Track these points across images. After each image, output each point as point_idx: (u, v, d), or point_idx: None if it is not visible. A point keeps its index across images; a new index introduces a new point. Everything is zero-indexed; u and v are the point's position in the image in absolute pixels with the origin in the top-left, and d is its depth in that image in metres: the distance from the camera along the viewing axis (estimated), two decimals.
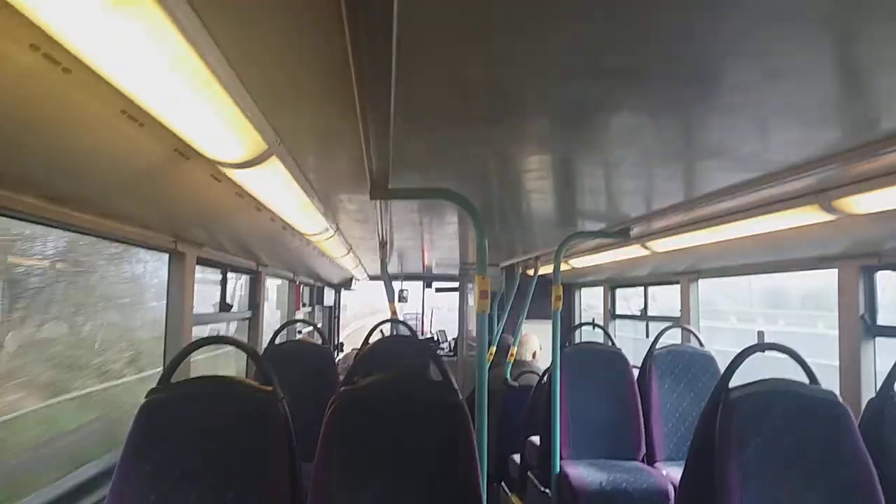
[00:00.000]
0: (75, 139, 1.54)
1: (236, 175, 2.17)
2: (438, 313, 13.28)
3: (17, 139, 1.43)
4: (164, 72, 1.31)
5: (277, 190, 2.53)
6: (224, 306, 4.04)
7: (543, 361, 6.00)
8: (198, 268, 3.26)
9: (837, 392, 2.20)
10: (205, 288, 4.06)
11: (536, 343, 6.19)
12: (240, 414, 2.06)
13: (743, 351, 2.31)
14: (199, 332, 3.40)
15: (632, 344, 6.15)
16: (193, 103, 1.51)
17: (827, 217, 2.61)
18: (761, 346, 2.34)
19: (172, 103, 1.50)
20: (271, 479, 2.01)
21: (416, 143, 2.23)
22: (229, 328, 4.89)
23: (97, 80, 1.31)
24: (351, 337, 12.01)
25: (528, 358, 6.06)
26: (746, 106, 1.73)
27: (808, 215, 2.68)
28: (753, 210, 2.96)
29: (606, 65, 1.48)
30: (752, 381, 2.21)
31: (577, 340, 6.25)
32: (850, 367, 3.08)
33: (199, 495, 1.97)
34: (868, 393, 2.96)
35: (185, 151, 1.89)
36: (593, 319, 5.98)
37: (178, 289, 3.05)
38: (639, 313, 5.95)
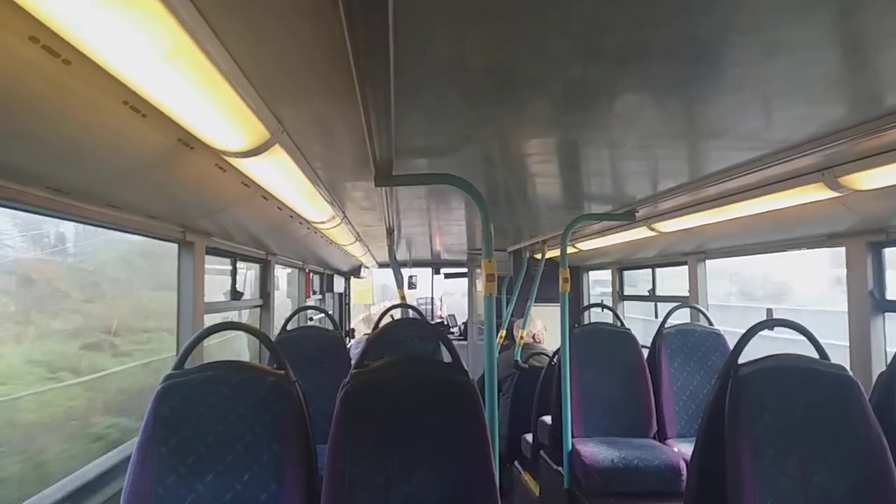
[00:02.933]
0: (78, 130, 1.56)
1: (241, 164, 2.19)
2: (451, 299, 13.33)
3: (20, 131, 1.45)
4: (164, 62, 1.32)
5: (282, 178, 2.54)
6: (235, 294, 4.08)
7: (549, 343, 6.03)
8: (209, 258, 3.29)
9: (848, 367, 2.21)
10: (217, 278, 4.12)
11: (539, 325, 6.22)
12: (254, 398, 2.08)
13: (753, 327, 2.31)
14: (211, 321, 3.43)
15: (641, 326, 6.14)
16: (194, 93, 1.52)
17: (832, 194, 2.60)
18: (771, 323, 2.34)
19: (173, 94, 1.51)
20: (286, 461, 2.05)
21: (419, 128, 2.23)
22: (241, 318, 4.93)
23: (98, 72, 1.32)
24: (358, 327, 12.11)
25: (529, 339, 6.09)
26: (748, 83, 1.72)
27: (814, 193, 2.67)
28: (759, 189, 2.94)
29: (607, 44, 1.48)
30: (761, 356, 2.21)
31: (585, 322, 6.26)
32: (860, 342, 3.07)
33: (216, 477, 2.00)
34: (878, 367, 2.96)
35: (188, 141, 1.90)
36: (602, 301, 5.98)
37: (189, 277, 3.08)
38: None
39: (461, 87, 1.83)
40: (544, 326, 6.24)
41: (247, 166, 2.24)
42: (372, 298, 14.06)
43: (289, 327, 4.08)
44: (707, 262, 4.75)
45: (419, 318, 4.64)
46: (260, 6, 1.29)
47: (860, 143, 2.14)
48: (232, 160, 2.14)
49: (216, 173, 2.28)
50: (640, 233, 4.52)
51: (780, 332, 2.43)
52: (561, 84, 1.78)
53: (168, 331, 3.93)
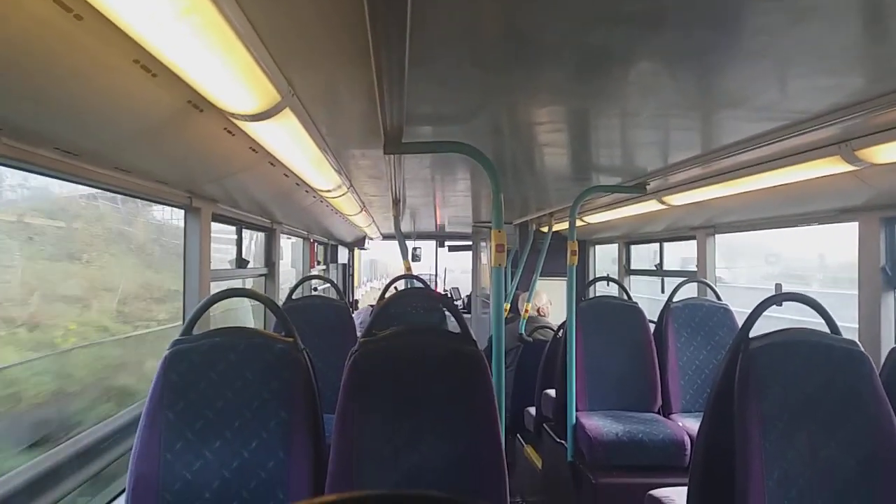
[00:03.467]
0: (88, 89, 1.53)
1: (249, 127, 2.16)
2: (451, 275, 13.33)
3: (30, 89, 1.43)
4: (177, 20, 1.29)
5: (291, 144, 2.52)
6: (241, 262, 4.07)
7: (554, 317, 6.04)
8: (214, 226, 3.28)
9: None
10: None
11: (545, 299, 6.22)
12: (262, 364, 2.08)
13: (763, 301, 2.29)
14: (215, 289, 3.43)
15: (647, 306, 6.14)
16: (207, 53, 1.49)
17: (848, 167, 2.56)
18: (781, 297, 2.33)
19: (185, 53, 1.48)
20: (294, 428, 2.05)
21: (430, 95, 2.20)
22: (245, 285, 4.94)
23: (110, 28, 1.29)
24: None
25: (534, 313, 6.10)
26: (769, 51, 1.69)
27: (830, 166, 2.64)
28: (773, 162, 2.91)
29: (624, 9, 1.44)
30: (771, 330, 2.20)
31: (591, 296, 6.26)
32: (871, 318, 3.06)
33: (224, 443, 2.01)
34: (888, 343, 2.95)
35: (198, 103, 1.88)
36: (607, 275, 5.97)
37: (196, 243, 3.07)
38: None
39: (474, 54, 1.80)
40: (549, 300, 6.25)
41: (256, 130, 2.21)
42: (357, 279, 12.09)
43: (294, 296, 4.08)
44: (733, 239, 4.68)
45: (425, 288, 4.64)
46: None
47: (879, 115, 2.10)
48: (241, 124, 2.11)
49: (224, 137, 2.25)
50: (649, 206, 4.49)
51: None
52: (575, 51, 1.75)
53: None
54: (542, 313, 6.19)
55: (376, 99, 2.01)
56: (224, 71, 1.62)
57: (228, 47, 1.48)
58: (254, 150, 2.53)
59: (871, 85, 1.94)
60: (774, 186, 3.15)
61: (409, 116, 2.24)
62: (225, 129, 2.18)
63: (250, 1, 1.39)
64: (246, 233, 4.21)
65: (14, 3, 1.12)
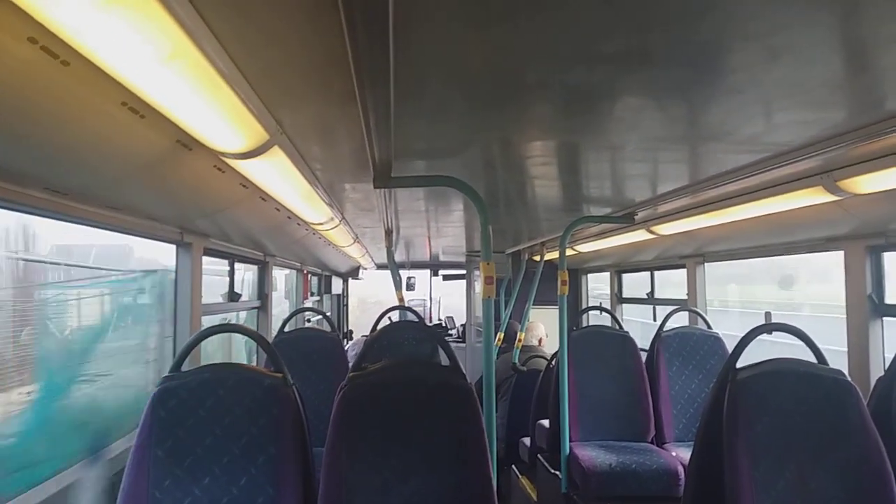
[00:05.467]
0: (77, 132, 1.55)
1: (239, 165, 2.18)
2: (449, 300, 13.27)
3: (19, 133, 1.44)
4: (162, 63, 1.31)
5: (281, 180, 2.54)
6: (233, 296, 4.07)
7: (550, 348, 6.02)
8: (206, 260, 3.28)
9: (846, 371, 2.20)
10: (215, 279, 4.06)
11: (542, 330, 6.20)
12: (251, 400, 2.07)
13: (751, 331, 2.30)
14: (208, 322, 3.43)
15: (640, 330, 6.15)
16: (193, 95, 1.52)
17: (831, 197, 2.59)
18: (769, 327, 2.34)
19: (172, 95, 1.50)
20: (283, 464, 2.04)
21: (419, 130, 2.23)
22: (238, 319, 4.92)
23: (96, 73, 1.31)
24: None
25: (534, 343, 6.07)
26: (748, 87, 1.72)
27: (813, 196, 2.67)
28: (758, 192, 2.94)
29: (607, 48, 1.47)
30: (759, 360, 2.21)
31: (584, 325, 6.26)
32: (859, 347, 3.07)
33: (212, 480, 1.99)
34: (877, 372, 2.95)
35: (187, 142, 1.90)
36: (600, 303, 5.98)
37: (187, 279, 3.07)
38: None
39: (461, 91, 1.82)
40: (546, 333, 6.21)
41: (245, 167, 2.23)
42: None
43: (286, 329, 4.07)
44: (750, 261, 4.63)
45: (417, 320, 4.63)
46: (260, 8, 1.28)
47: (860, 146, 2.14)
48: (230, 161, 2.13)
49: (214, 174, 2.27)
50: (638, 235, 4.52)
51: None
52: (561, 88, 1.78)
53: None
54: (541, 344, 6.16)
55: (364, 135, 2.03)
56: (212, 111, 1.64)
57: (215, 89, 1.50)
58: (244, 185, 2.55)
59: (851, 117, 1.97)
60: (761, 216, 3.18)
61: (398, 151, 2.27)
62: (215, 166, 2.20)
63: (235, 43, 1.41)
64: (239, 266, 4.21)
65: (2, 50, 1.15)
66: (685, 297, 4.92)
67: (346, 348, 4.17)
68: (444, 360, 2.29)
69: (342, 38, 1.28)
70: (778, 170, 2.48)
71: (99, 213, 2.21)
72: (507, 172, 3.05)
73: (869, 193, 2.46)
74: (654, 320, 5.27)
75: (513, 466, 5.21)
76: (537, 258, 6.23)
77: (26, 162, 1.64)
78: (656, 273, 5.81)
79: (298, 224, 3.89)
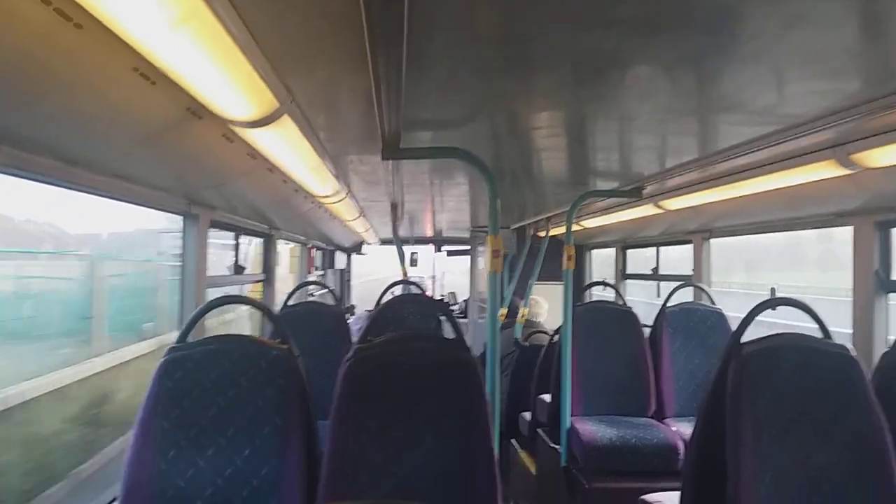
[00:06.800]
0: (88, 97, 1.54)
1: (248, 134, 2.17)
2: (451, 277, 13.28)
3: (29, 98, 1.43)
4: (175, 28, 1.30)
5: (289, 150, 2.53)
6: (237, 269, 4.07)
7: (550, 324, 6.04)
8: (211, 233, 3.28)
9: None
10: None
11: (545, 309, 6.21)
12: (256, 371, 2.08)
13: (756, 306, 2.30)
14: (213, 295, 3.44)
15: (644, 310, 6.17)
16: (205, 61, 1.50)
17: (843, 171, 2.58)
18: (774, 302, 2.33)
19: (184, 61, 1.49)
20: (288, 436, 2.04)
21: (428, 101, 2.21)
22: (242, 292, 4.93)
23: (109, 36, 1.30)
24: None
25: (540, 320, 6.09)
26: (763, 56, 1.70)
27: (825, 170, 2.65)
28: (768, 166, 2.92)
29: (620, 13, 1.46)
30: (763, 335, 2.21)
31: (587, 301, 6.27)
32: (864, 322, 3.07)
33: (217, 451, 2.00)
34: (881, 348, 2.96)
35: (197, 110, 1.88)
36: (604, 279, 5.97)
37: (193, 250, 3.07)
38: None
39: (471, 60, 1.81)
40: (547, 308, 6.22)
41: (254, 137, 2.22)
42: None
43: (290, 302, 4.08)
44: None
45: (421, 294, 4.64)
46: None
47: (874, 119, 2.12)
48: (239, 130, 2.12)
49: (223, 144, 2.26)
50: (645, 210, 4.50)
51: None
52: (570, 55, 1.76)
53: None
54: (540, 318, 6.18)
55: (374, 105, 2.02)
56: (222, 78, 1.63)
57: (227, 54, 1.49)
58: (252, 156, 2.54)
59: (866, 88, 1.95)
60: (770, 190, 3.16)
61: (406, 122, 2.25)
62: (223, 135, 2.18)
63: (248, 8, 1.39)
64: (244, 239, 4.21)
65: (14, 13, 1.13)
66: (690, 272, 4.92)
67: (348, 322, 4.18)
68: (449, 336, 2.30)
69: (356, 3, 1.27)
70: (790, 143, 2.46)
71: (106, 181, 2.20)
72: (515, 145, 3.04)
73: (882, 167, 2.44)
74: (658, 296, 5.27)
75: (513, 440, 5.25)
76: (542, 234, 6.22)
77: (36, 128, 1.63)
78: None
79: (305, 197, 3.88)
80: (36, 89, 1.41)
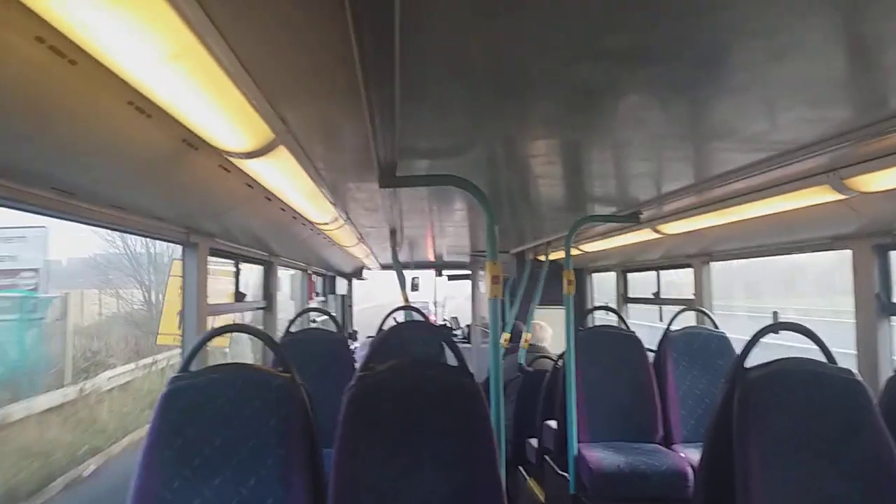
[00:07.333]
0: (84, 131, 1.56)
1: (245, 165, 2.19)
2: (453, 302, 13.23)
3: (26, 132, 1.45)
4: (169, 63, 1.32)
5: (286, 179, 2.54)
6: (238, 296, 4.08)
7: (554, 349, 6.01)
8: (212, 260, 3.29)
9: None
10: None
11: (549, 333, 6.19)
12: (260, 401, 2.07)
13: (759, 331, 2.29)
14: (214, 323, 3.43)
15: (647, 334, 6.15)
16: (200, 94, 1.52)
17: (838, 196, 2.58)
18: (776, 326, 2.33)
19: (179, 94, 1.51)
20: (293, 465, 2.03)
21: (423, 129, 2.23)
22: (244, 320, 4.93)
23: (104, 72, 1.32)
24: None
25: (545, 344, 6.07)
26: (754, 85, 1.72)
27: (819, 195, 2.65)
28: (764, 191, 2.93)
29: (611, 45, 1.47)
30: (767, 360, 2.19)
31: (590, 325, 6.24)
32: (867, 346, 3.05)
33: (222, 481, 1.99)
34: (886, 371, 2.94)
35: (193, 142, 1.90)
36: (606, 303, 5.96)
37: (193, 279, 3.08)
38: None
39: (465, 89, 1.82)
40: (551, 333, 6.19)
41: (251, 167, 2.24)
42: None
43: (292, 329, 4.08)
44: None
45: (423, 320, 4.63)
46: (266, 7, 1.29)
47: (866, 144, 2.13)
48: (236, 161, 2.14)
49: (220, 174, 2.28)
50: (644, 235, 4.51)
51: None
52: (565, 85, 1.78)
53: None
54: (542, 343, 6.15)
55: (370, 135, 2.03)
56: (218, 111, 1.65)
57: (220, 88, 1.51)
58: (250, 185, 2.55)
59: (857, 115, 1.97)
60: (767, 215, 3.17)
61: (402, 150, 2.27)
62: (220, 166, 2.20)
63: (241, 42, 1.41)
64: (244, 267, 4.22)
65: (10, 51, 1.15)
66: (692, 297, 4.91)
67: (351, 349, 4.17)
68: (451, 361, 2.29)
69: (348, 35, 1.28)
70: (784, 168, 2.47)
71: (105, 212, 2.22)
72: (512, 171, 3.05)
73: (876, 192, 2.45)
74: (661, 321, 5.25)
75: (520, 467, 5.20)
76: (542, 258, 6.22)
77: (34, 161, 1.65)
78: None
79: (303, 224, 3.89)
80: (33, 124, 1.43)
